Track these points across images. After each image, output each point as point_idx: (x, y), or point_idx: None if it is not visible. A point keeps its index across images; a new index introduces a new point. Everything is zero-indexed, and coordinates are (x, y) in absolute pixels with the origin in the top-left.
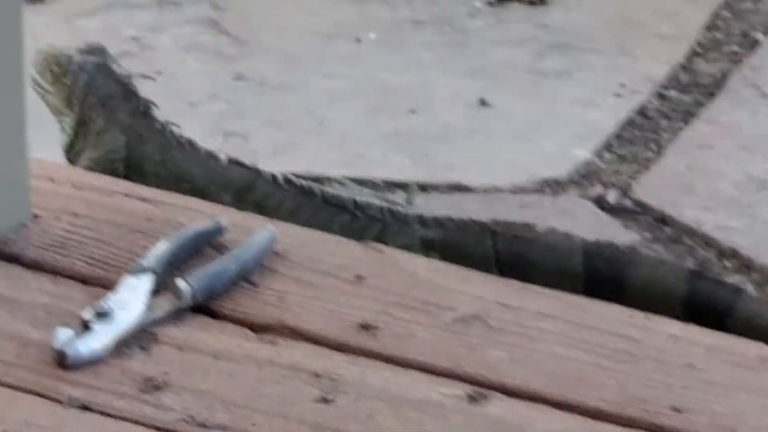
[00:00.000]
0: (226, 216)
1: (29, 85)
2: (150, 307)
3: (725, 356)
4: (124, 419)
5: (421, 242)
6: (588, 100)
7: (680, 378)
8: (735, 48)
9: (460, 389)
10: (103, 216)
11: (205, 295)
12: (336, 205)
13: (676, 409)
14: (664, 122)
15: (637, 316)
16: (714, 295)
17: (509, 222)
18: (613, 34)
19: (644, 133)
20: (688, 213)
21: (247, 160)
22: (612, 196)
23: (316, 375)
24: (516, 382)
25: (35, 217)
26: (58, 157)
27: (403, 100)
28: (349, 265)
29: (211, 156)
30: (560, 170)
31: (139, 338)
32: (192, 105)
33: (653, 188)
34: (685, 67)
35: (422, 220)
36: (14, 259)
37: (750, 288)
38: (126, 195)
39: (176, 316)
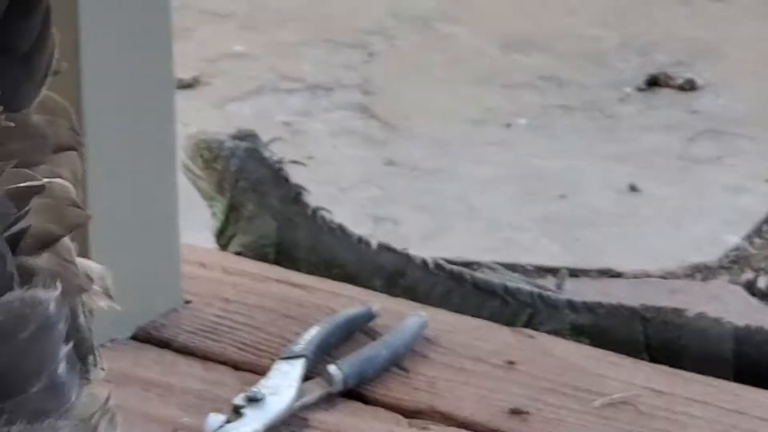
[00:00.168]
0: (377, 301)
1: (180, 171)
2: (301, 393)
3: None
4: None
5: (571, 327)
6: (738, 186)
7: None
8: None
9: None
10: (254, 301)
11: (357, 380)
12: (486, 290)
13: None
14: None
15: None
16: None
17: (659, 307)
18: (764, 119)
19: None
20: None
21: (397, 245)
22: (762, 282)
23: None
24: None
25: (186, 302)
26: (209, 242)
27: (553, 185)
28: (499, 351)
29: (362, 241)
30: (710, 255)
31: (290, 423)
32: (343, 190)
33: None
34: None
35: (572, 306)
36: (166, 344)
37: None
38: (277, 280)
39: (327, 401)
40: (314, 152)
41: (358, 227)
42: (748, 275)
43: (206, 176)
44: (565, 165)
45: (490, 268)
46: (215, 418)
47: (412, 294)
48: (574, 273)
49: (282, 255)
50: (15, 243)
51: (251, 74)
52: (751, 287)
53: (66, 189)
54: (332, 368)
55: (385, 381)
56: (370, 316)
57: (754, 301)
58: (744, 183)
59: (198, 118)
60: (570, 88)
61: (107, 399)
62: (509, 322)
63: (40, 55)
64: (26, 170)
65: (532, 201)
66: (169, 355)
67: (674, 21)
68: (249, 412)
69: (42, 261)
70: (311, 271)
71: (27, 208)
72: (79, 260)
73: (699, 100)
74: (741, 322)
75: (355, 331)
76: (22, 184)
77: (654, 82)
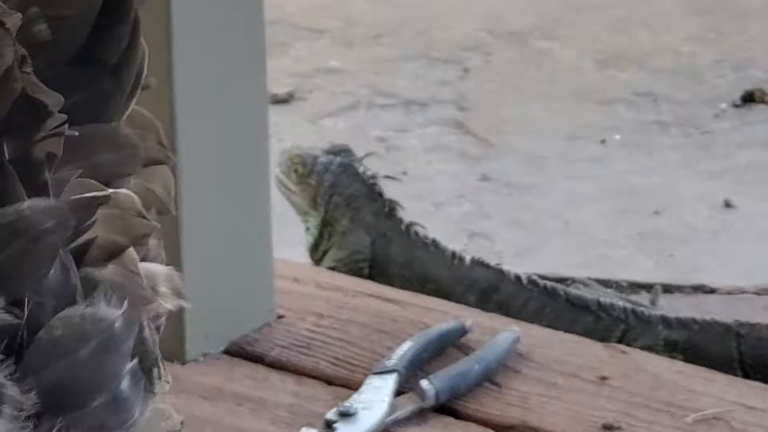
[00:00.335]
0: (470, 317)
1: (274, 186)
2: (393, 407)
3: None
4: None
5: (664, 343)
6: None
7: None
8: None
9: None
10: (347, 316)
11: (449, 395)
12: (580, 305)
13: None
14: None
15: None
16: None
17: (753, 323)
18: None
19: None
20: None
21: (491, 260)
22: None
23: None
24: None
25: (279, 317)
26: (303, 257)
27: (647, 201)
28: (592, 366)
29: (455, 257)
30: None
31: None
32: (437, 205)
33: None
34: None
35: (666, 321)
36: (258, 359)
37: None
38: (370, 295)
39: (419, 416)
40: (408, 168)
41: (452, 243)
42: None
43: (300, 191)
44: (660, 181)
45: (583, 283)
46: None
47: (506, 309)
48: (668, 289)
49: (375, 270)
50: (81, 254)
51: (346, 89)
52: None
53: (132, 199)
54: (424, 383)
55: (477, 396)
56: (463, 331)
57: None
58: None
59: (292, 134)
60: (665, 104)
61: (172, 414)
62: (602, 338)
63: (129, 67)
64: (92, 181)
65: (626, 217)
66: (261, 370)
67: None
68: (341, 426)
69: (107, 273)
70: (404, 286)
71: (93, 219)
72: (145, 265)
73: None
74: None
75: (448, 346)
76: (86, 195)
77: (750, 98)
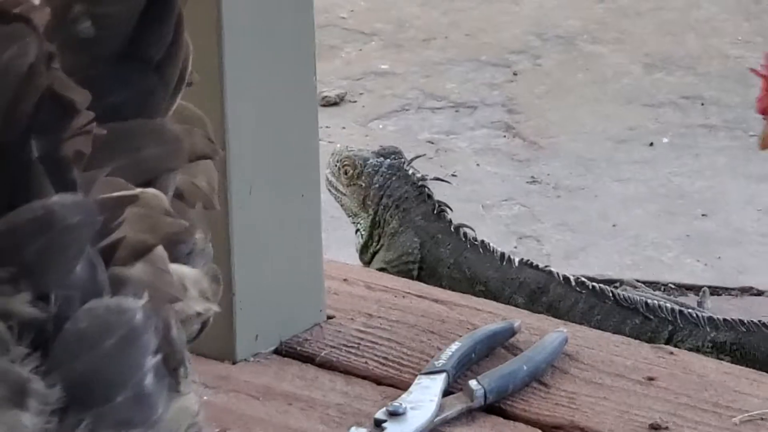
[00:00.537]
0: (518, 318)
1: (324, 187)
2: (442, 407)
3: None
4: None
5: (711, 344)
6: None
7: None
8: None
9: None
10: (396, 317)
11: (497, 395)
12: (628, 307)
13: None
14: None
15: None
16: None
17: None
18: None
19: None
20: None
21: (540, 262)
22: None
23: None
24: None
25: (329, 317)
26: (352, 258)
27: (695, 203)
28: (639, 367)
29: (504, 258)
30: None
31: None
32: (486, 208)
33: None
34: None
35: (713, 323)
36: (309, 359)
37: None
38: (419, 296)
39: (468, 416)
40: (458, 170)
41: (501, 244)
42: None
43: (350, 193)
44: (708, 184)
45: (631, 285)
46: None
47: (554, 310)
48: (716, 291)
49: (425, 271)
50: (110, 254)
51: (396, 92)
52: None
53: (159, 198)
54: (473, 383)
55: (525, 396)
56: (511, 332)
57: None
58: None
59: (343, 136)
60: (713, 107)
61: (197, 413)
62: (650, 339)
63: (173, 64)
64: (120, 179)
65: (674, 219)
66: (311, 370)
67: None
68: (390, 426)
69: (136, 271)
70: (453, 287)
71: (121, 218)
72: (173, 267)
73: None
74: None
75: (497, 346)
76: (114, 194)
77: None
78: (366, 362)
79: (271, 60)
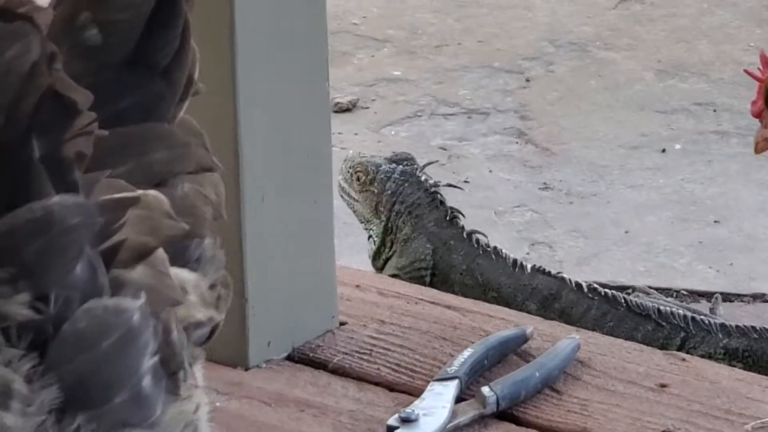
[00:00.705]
0: (531, 324)
1: (336, 193)
2: (454, 414)
3: None
4: None
5: (724, 351)
6: None
7: None
8: None
9: None
10: (408, 323)
11: (510, 402)
12: (640, 313)
13: None
14: None
15: None
16: None
17: None
18: None
19: None
20: None
21: (553, 269)
22: None
23: None
24: None
25: (342, 324)
26: (365, 264)
27: (707, 210)
28: (652, 374)
29: (516, 265)
30: None
31: None
32: (499, 214)
33: None
34: None
35: (726, 330)
36: (321, 365)
37: None
38: (432, 303)
39: (480, 422)
40: (470, 176)
41: (513, 251)
42: None
43: (362, 199)
44: (720, 190)
45: (644, 292)
46: None
47: (566, 317)
48: (728, 297)
49: (437, 277)
50: (111, 256)
51: (408, 98)
52: None
53: (160, 200)
54: (485, 390)
55: (537, 403)
56: (523, 339)
57: None
58: None
59: (355, 142)
60: (725, 113)
61: (195, 415)
62: (662, 346)
63: (180, 70)
64: (121, 181)
65: (686, 226)
66: (324, 376)
67: None
68: None
69: (136, 274)
70: (466, 293)
71: (123, 220)
72: (173, 270)
73: None
74: None
75: (509, 353)
76: (116, 196)
77: None
78: (378, 369)
79: (284, 66)
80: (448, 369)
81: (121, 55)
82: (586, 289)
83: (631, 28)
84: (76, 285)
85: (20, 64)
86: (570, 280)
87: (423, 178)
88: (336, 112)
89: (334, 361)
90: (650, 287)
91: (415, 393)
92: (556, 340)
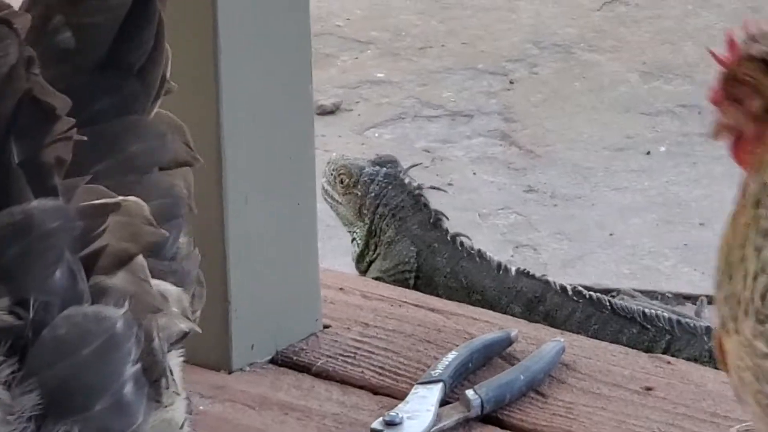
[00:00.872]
0: (515, 327)
1: (320, 196)
2: (439, 417)
3: None
4: None
5: (709, 354)
6: None
7: None
8: None
9: None
10: (392, 326)
11: (494, 405)
12: (625, 316)
13: None
14: None
15: None
16: None
17: None
18: None
19: None
20: None
21: (537, 271)
22: None
23: None
24: None
25: (325, 327)
26: (348, 267)
27: (692, 212)
28: (637, 377)
29: (501, 267)
30: None
31: None
32: (482, 217)
33: None
34: None
35: (711, 333)
36: (305, 369)
37: None
38: (416, 305)
39: (465, 425)
40: (454, 179)
41: (497, 254)
42: None
43: (346, 201)
44: (705, 192)
45: (629, 294)
46: None
47: (551, 320)
48: (713, 300)
49: (421, 280)
50: (93, 262)
51: (392, 101)
52: None
53: (141, 206)
54: (470, 393)
55: (522, 406)
56: (508, 342)
57: None
58: None
59: (338, 144)
60: (710, 115)
61: (183, 425)
62: (648, 349)
63: (154, 69)
64: (102, 187)
65: (671, 228)
66: (307, 379)
67: None
68: None
69: (117, 280)
70: (450, 296)
71: (104, 226)
72: (155, 281)
73: None
74: None
75: (493, 356)
76: (96, 201)
77: None
78: (362, 372)
79: (268, 69)
80: (433, 372)
81: (95, 57)
82: (570, 292)
83: (615, 29)
84: (55, 290)
85: None
86: (554, 282)
87: (407, 181)
88: (319, 114)
89: (318, 364)
90: (635, 290)
91: (400, 396)
92: (541, 343)
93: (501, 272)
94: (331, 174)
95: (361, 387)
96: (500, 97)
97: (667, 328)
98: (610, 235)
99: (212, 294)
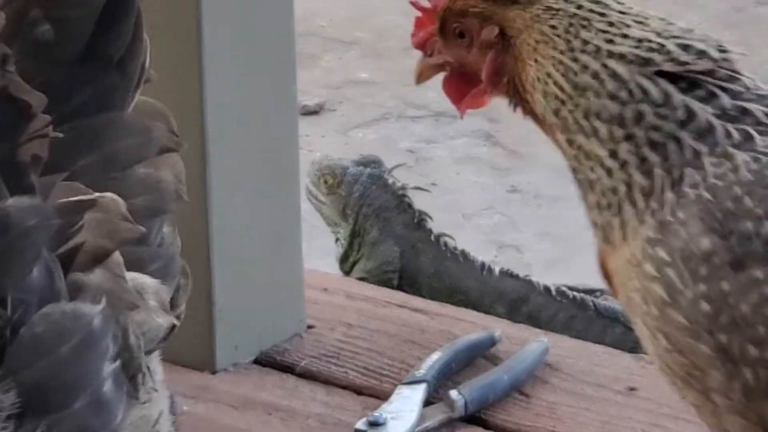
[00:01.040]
0: (499, 327)
1: (304, 196)
2: (423, 417)
3: None
4: None
5: None
6: None
7: None
8: None
9: None
10: (376, 327)
11: (478, 405)
12: (609, 316)
13: None
14: None
15: None
16: None
17: None
18: None
19: None
20: None
21: (521, 272)
22: None
23: None
24: None
25: (309, 327)
26: (332, 267)
27: None
28: (621, 377)
29: (484, 268)
30: None
31: None
32: (466, 217)
33: None
34: None
35: None
36: (288, 369)
37: None
38: (400, 306)
39: (449, 426)
40: (438, 179)
41: (481, 254)
42: None
43: (330, 202)
44: None
45: (612, 295)
46: None
47: (535, 320)
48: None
49: (404, 280)
50: (70, 259)
51: (376, 101)
52: None
53: (117, 203)
54: (454, 393)
55: (506, 406)
56: (492, 342)
57: None
58: None
59: (322, 145)
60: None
61: (157, 421)
62: (632, 349)
63: (134, 60)
64: (78, 184)
65: None
66: (291, 380)
67: None
68: None
69: (94, 278)
70: (433, 296)
71: (80, 223)
72: (132, 275)
73: None
74: None
75: (477, 356)
76: (72, 198)
77: None
78: (346, 372)
79: (252, 69)
80: (416, 372)
81: (74, 50)
82: (554, 293)
83: None
84: (33, 289)
85: None
86: (538, 283)
87: (390, 181)
88: (303, 114)
89: (302, 364)
90: None
91: (383, 396)
92: (525, 344)
93: (485, 272)
94: (315, 174)
95: (344, 387)
96: None
97: None
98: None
99: (196, 294)
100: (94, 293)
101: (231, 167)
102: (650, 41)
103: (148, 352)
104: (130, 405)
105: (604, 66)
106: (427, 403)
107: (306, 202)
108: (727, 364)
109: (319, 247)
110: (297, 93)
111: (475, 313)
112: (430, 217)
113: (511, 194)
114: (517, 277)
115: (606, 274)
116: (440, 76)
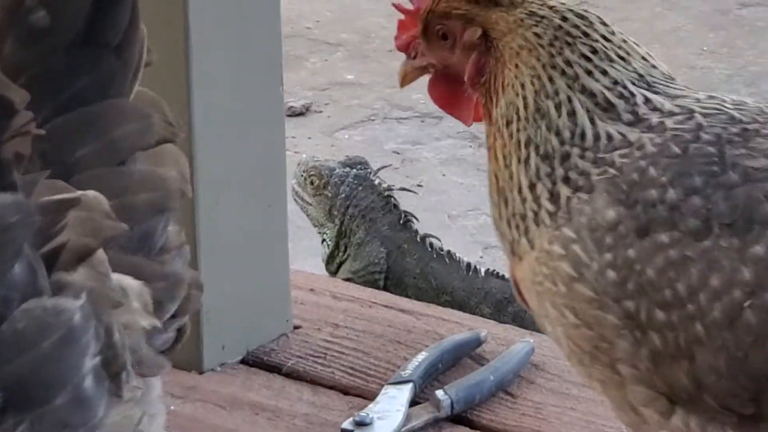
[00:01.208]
0: (485, 328)
1: (290, 197)
2: (409, 417)
3: None
4: None
5: None
6: None
7: None
8: None
9: None
10: (362, 327)
11: (464, 405)
12: None
13: None
14: None
15: None
16: None
17: None
18: None
19: None
20: None
21: (506, 272)
22: None
23: None
24: None
25: (296, 327)
26: (318, 268)
27: None
28: None
29: (470, 268)
30: None
31: None
32: (452, 218)
33: None
34: None
35: None
36: (275, 369)
37: None
38: (386, 306)
39: (435, 426)
40: (424, 180)
41: (467, 254)
42: None
43: (316, 203)
44: None
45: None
46: None
47: (520, 321)
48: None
49: (390, 281)
50: (54, 258)
51: (362, 102)
52: None
53: (100, 200)
54: (440, 393)
55: (492, 406)
56: (477, 342)
57: None
58: None
59: (309, 146)
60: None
61: (140, 421)
62: None
63: (132, 46)
64: (62, 182)
65: None
66: (278, 380)
67: None
68: None
69: (78, 276)
70: (419, 297)
71: (63, 222)
72: (116, 276)
73: None
74: None
75: (463, 356)
76: (55, 197)
77: None
78: (333, 372)
79: (238, 71)
80: (403, 372)
81: (71, 35)
82: None
83: None
84: (14, 285)
85: None
86: None
87: (376, 182)
88: (289, 116)
89: (289, 364)
90: None
91: (370, 396)
92: (510, 344)
93: (470, 273)
94: (302, 175)
95: (331, 387)
96: None
97: None
98: None
99: None
100: (77, 290)
101: (218, 168)
102: (625, 87)
103: (162, 362)
104: (112, 402)
105: (569, 100)
106: (414, 403)
107: (292, 203)
108: (635, 331)
109: (306, 248)
110: (284, 94)
111: (460, 313)
112: (416, 218)
113: None
114: (502, 277)
115: (516, 287)
116: (425, 78)
